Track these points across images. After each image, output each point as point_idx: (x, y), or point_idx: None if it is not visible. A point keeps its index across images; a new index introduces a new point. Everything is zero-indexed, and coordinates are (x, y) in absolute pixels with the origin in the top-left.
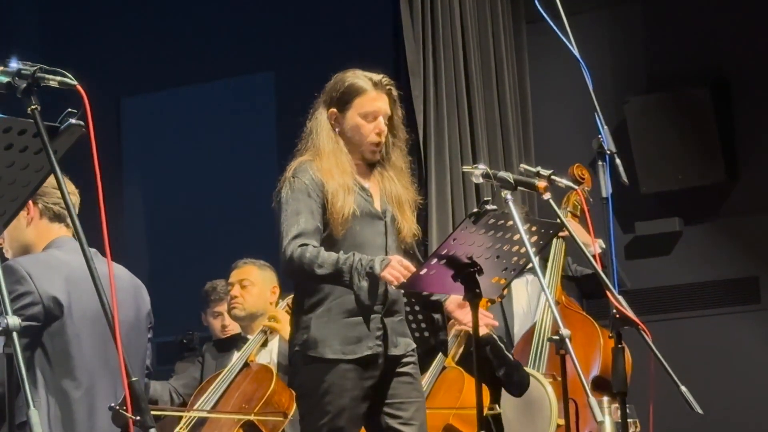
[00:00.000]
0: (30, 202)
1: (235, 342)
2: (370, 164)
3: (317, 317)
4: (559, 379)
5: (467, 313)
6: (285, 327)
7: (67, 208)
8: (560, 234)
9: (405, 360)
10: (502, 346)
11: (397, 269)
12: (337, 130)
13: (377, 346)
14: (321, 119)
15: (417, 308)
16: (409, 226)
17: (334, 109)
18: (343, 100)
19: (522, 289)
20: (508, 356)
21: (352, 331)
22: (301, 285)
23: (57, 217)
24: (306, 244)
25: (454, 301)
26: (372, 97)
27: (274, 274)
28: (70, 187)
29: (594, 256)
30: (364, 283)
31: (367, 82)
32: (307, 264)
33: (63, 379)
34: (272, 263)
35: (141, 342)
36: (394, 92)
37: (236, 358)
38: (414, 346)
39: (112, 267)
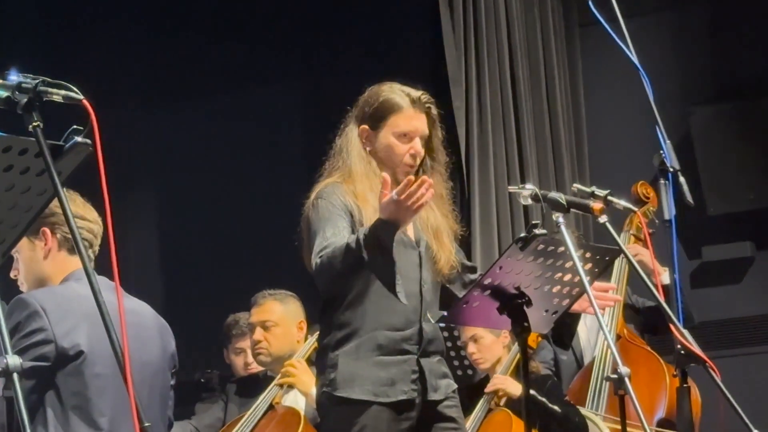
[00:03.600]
0: (48, 231)
1: (260, 382)
2: None
3: (345, 354)
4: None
5: (582, 300)
6: (301, 379)
7: (73, 235)
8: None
9: (447, 403)
10: (560, 386)
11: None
12: (368, 148)
13: (413, 390)
14: (351, 136)
15: (459, 344)
16: (447, 256)
17: (366, 126)
18: (376, 116)
19: (580, 322)
20: (565, 398)
21: (384, 372)
22: (326, 320)
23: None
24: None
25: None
26: (408, 116)
27: (299, 305)
28: (92, 215)
29: (659, 287)
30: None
31: (404, 99)
32: (326, 265)
33: (77, 423)
34: (297, 292)
35: (165, 385)
36: (434, 111)
37: (260, 399)
38: (455, 387)
39: (121, 297)
